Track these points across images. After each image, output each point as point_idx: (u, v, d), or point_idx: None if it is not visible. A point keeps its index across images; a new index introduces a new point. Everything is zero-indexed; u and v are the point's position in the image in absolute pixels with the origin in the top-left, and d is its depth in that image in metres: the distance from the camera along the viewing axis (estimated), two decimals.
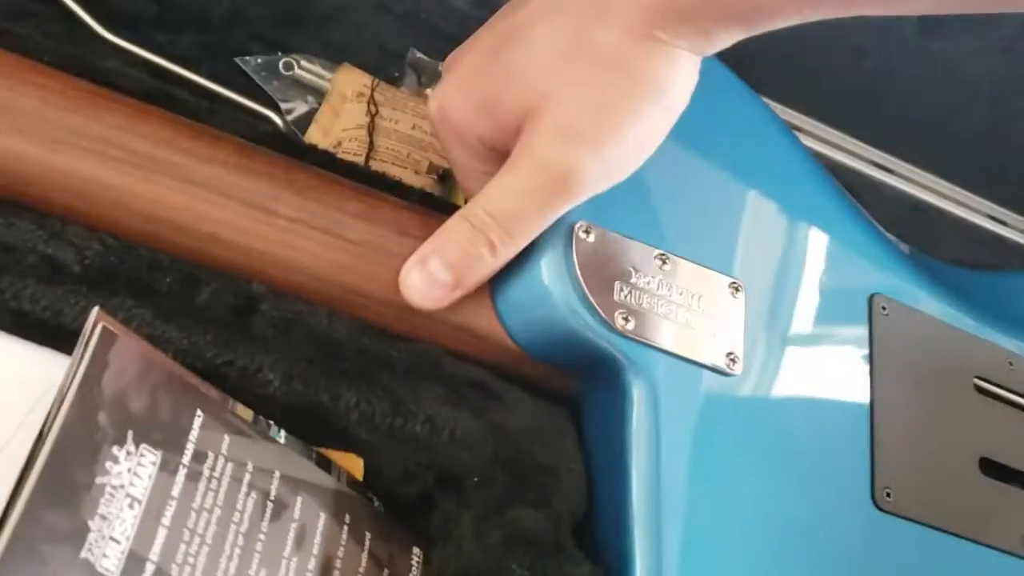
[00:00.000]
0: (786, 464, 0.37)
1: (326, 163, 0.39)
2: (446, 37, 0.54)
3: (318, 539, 0.31)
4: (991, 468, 0.42)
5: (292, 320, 0.33)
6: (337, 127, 0.49)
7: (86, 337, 0.27)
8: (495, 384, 0.36)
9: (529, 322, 0.36)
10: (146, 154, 0.32)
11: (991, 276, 0.51)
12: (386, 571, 0.33)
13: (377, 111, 0.50)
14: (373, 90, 0.51)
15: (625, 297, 0.36)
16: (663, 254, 0.37)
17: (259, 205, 0.34)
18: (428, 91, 0.53)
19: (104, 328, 0.28)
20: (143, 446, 0.27)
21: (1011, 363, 0.44)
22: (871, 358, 0.40)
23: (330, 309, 0.34)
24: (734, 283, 0.38)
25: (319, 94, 0.50)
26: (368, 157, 0.46)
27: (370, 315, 0.35)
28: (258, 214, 0.34)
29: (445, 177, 0.48)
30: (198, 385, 0.30)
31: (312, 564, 0.30)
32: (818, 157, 0.61)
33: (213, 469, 0.29)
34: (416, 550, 0.34)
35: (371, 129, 0.48)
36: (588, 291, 0.35)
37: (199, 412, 0.29)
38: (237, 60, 0.49)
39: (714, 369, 0.36)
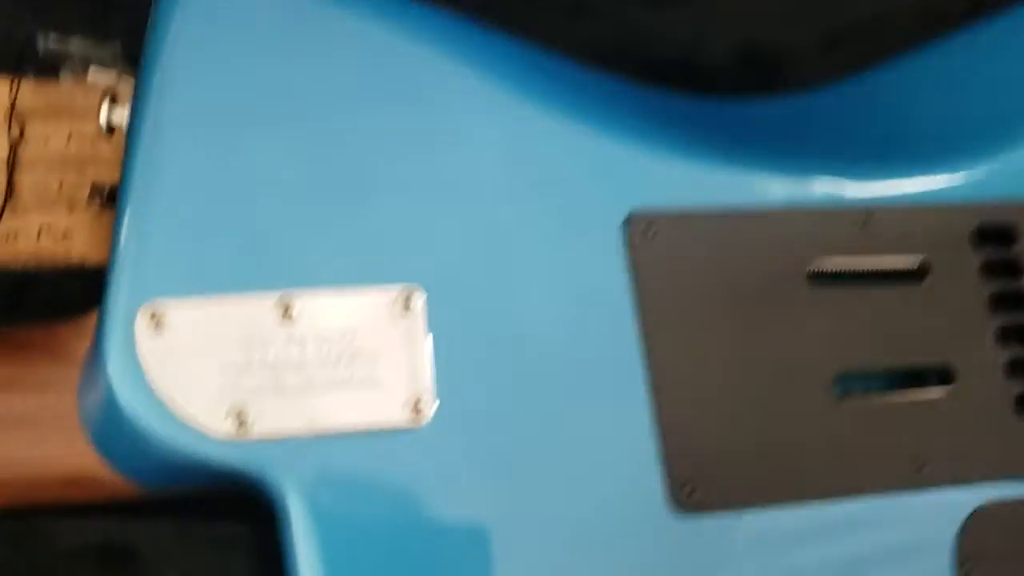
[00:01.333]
0: (549, 502, 0.28)
1: None
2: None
3: None
4: (848, 384, 0.31)
5: None
6: None
7: None
8: (128, 537, 0.28)
9: (127, 452, 0.27)
10: None
11: (813, 98, 0.37)
12: None
13: (21, 133, 0.40)
14: (15, 98, 0.40)
15: (238, 385, 0.27)
16: (285, 296, 0.27)
17: None
18: (91, 76, 0.42)
19: None
20: None
21: (864, 222, 0.32)
22: (640, 311, 0.30)
23: None
24: (404, 293, 0.28)
25: None
26: (3, 209, 0.37)
27: None
28: None
29: (115, 195, 0.38)
30: None
31: None
32: None
33: None
34: None
35: (11, 163, 0.39)
36: (173, 402, 0.26)
37: None
38: None
39: (393, 429, 0.27)
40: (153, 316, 0.26)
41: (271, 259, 0.27)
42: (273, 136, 0.28)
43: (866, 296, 0.31)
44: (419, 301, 0.27)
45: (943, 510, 0.30)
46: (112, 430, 0.26)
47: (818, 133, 0.35)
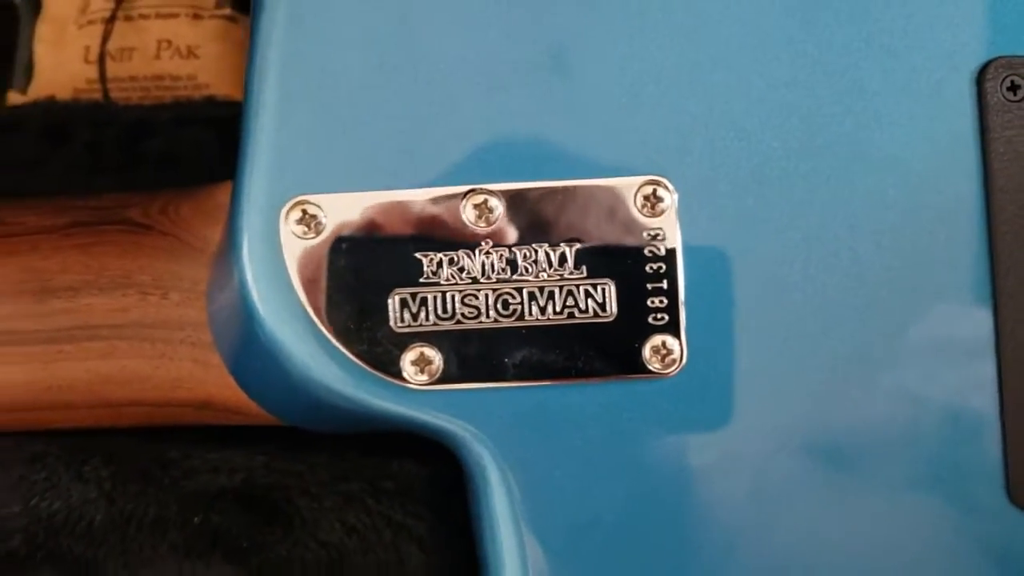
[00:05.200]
0: (826, 477, 0.20)
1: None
2: None
3: None
4: None
5: None
6: None
7: None
8: (268, 483, 0.22)
9: (272, 391, 0.21)
10: None
11: None
12: None
13: None
14: None
15: (415, 316, 0.19)
16: (480, 192, 0.19)
17: None
18: None
19: None
20: None
21: None
22: (994, 188, 0.20)
23: None
24: (648, 187, 0.19)
25: None
26: (114, 16, 0.29)
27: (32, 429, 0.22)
28: None
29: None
30: None
31: None
32: None
33: None
34: None
35: None
36: (335, 335, 0.19)
37: None
38: None
39: (631, 381, 0.20)
40: (305, 212, 0.19)
41: (461, 148, 0.19)
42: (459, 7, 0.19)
43: None
44: (669, 197, 0.19)
45: None
46: (259, 364, 0.20)
47: None
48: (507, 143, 0.19)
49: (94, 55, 0.29)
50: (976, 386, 0.20)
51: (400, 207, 0.19)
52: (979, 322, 0.20)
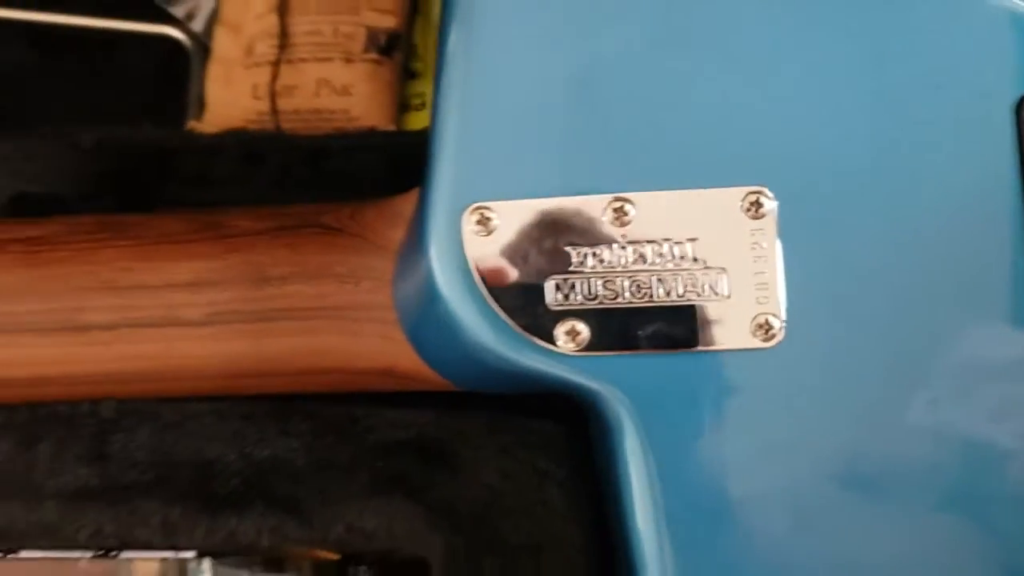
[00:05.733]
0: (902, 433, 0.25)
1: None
2: None
3: None
4: None
5: (152, 448, 0.27)
6: (248, 17, 0.37)
7: None
8: (438, 436, 0.27)
9: (448, 355, 0.26)
10: None
11: None
12: None
13: None
14: None
15: (566, 297, 0.24)
16: (619, 199, 0.24)
17: (66, 325, 0.26)
18: None
19: None
20: None
21: None
22: None
23: (196, 407, 0.27)
24: (752, 195, 0.24)
25: None
26: (279, 60, 0.35)
27: (249, 394, 0.27)
28: (68, 337, 0.26)
29: (392, 46, 0.35)
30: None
31: None
32: None
33: None
34: None
35: (281, 8, 0.36)
36: (504, 311, 0.24)
37: None
38: None
39: (737, 350, 0.24)
40: (483, 216, 0.24)
41: (611, 161, 0.24)
42: (606, 35, 0.24)
43: None
44: (770, 203, 0.24)
45: None
46: (439, 337, 0.25)
47: None
48: (643, 157, 0.24)
49: (262, 92, 0.34)
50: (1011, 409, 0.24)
51: (556, 211, 0.24)
52: (1018, 345, 0.24)
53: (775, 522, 0.25)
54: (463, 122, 0.24)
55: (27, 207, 0.30)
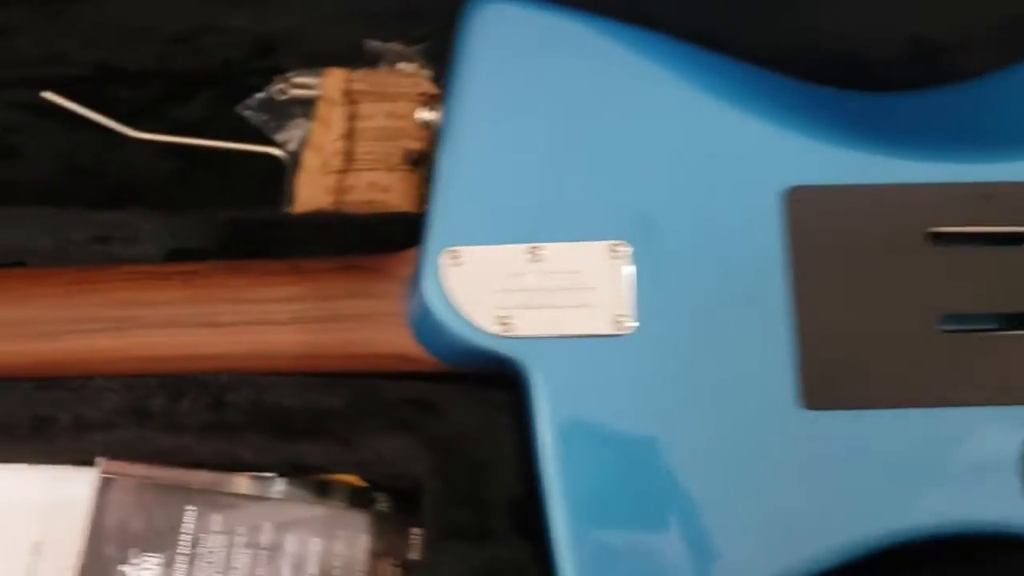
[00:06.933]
0: (708, 396, 0.39)
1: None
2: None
3: (314, 560, 0.41)
4: (955, 321, 0.40)
5: (253, 401, 0.43)
6: (328, 139, 0.54)
7: (94, 489, 0.39)
8: (431, 395, 0.42)
9: (436, 341, 0.41)
10: (112, 317, 0.43)
11: (951, 93, 0.44)
12: (389, 559, 0.43)
13: (355, 113, 0.54)
14: (351, 83, 0.55)
15: (504, 302, 0.40)
16: (533, 248, 0.40)
17: (205, 323, 0.43)
18: (399, 65, 0.56)
19: (103, 478, 0.40)
20: (144, 555, 0.39)
21: (987, 195, 0.40)
22: (791, 256, 0.40)
23: (280, 377, 0.43)
24: (614, 246, 0.40)
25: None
26: (345, 170, 0.52)
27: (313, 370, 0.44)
28: (207, 330, 0.43)
29: (419, 161, 0.52)
30: (190, 482, 0.41)
31: None
32: None
33: (207, 546, 0.40)
34: (415, 530, 0.43)
35: (349, 135, 0.54)
36: (464, 311, 0.40)
37: (189, 507, 0.40)
38: (238, 110, 0.56)
39: (605, 336, 0.39)
40: (453, 256, 0.40)
41: (530, 220, 0.40)
42: (537, 133, 0.40)
43: (979, 253, 0.40)
44: (625, 248, 0.39)
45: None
46: (427, 328, 0.41)
47: (949, 121, 0.43)
48: (551, 221, 0.40)
49: (332, 190, 0.51)
50: None
51: (498, 252, 0.40)
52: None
53: (647, 458, 0.39)
54: (444, 203, 0.40)
55: (180, 259, 0.47)
